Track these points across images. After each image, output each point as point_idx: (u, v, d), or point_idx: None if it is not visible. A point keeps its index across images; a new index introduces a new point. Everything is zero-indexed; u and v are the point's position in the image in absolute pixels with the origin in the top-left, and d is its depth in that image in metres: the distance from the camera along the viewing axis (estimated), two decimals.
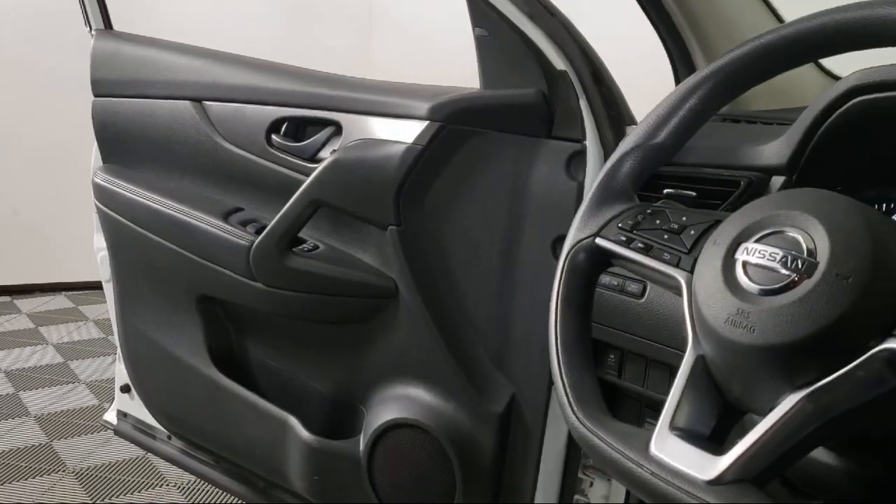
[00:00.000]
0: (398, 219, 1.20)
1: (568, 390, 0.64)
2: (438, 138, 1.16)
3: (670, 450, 0.55)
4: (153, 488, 2.24)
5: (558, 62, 1.11)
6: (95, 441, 2.48)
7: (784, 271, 0.53)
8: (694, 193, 0.84)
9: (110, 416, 1.86)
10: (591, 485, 1.27)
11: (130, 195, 1.49)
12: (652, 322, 0.72)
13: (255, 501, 1.64)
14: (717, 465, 0.52)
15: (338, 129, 1.29)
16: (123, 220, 1.51)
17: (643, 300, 0.81)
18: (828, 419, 0.51)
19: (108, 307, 1.68)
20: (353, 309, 1.30)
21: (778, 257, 0.53)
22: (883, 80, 0.69)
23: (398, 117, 1.21)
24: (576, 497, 1.29)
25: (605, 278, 0.87)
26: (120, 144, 1.56)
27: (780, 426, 0.51)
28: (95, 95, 1.57)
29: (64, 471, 2.31)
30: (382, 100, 1.24)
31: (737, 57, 0.64)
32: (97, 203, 1.56)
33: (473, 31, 1.16)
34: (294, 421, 1.36)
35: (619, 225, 0.67)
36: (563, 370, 0.65)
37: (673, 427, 0.56)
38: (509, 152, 1.15)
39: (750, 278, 0.55)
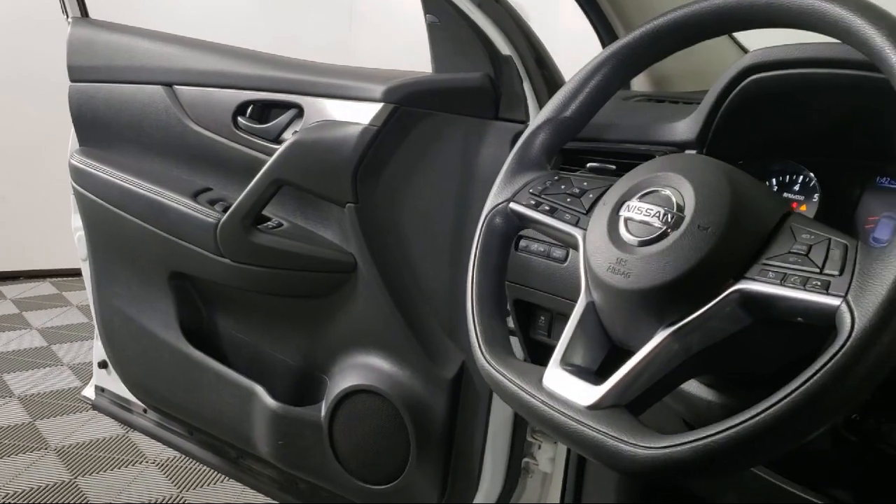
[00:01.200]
0: (355, 196, 1.27)
1: (479, 335, 0.71)
2: (392, 119, 1.23)
3: (559, 382, 0.63)
4: (133, 465, 2.31)
5: (504, 48, 1.18)
6: (77, 420, 2.55)
7: (657, 224, 0.60)
8: (614, 167, 0.91)
9: (88, 392, 1.93)
10: (539, 447, 1.34)
11: (105, 176, 1.55)
12: (574, 284, 0.79)
13: (228, 471, 1.71)
14: (596, 393, 0.59)
15: (300, 111, 1.35)
16: (98, 201, 1.57)
17: (566, 264, 0.89)
18: (692, 353, 0.59)
19: (85, 285, 1.74)
20: (315, 283, 1.37)
21: (652, 213, 0.61)
22: (773, 59, 0.77)
23: (355, 100, 1.28)
24: (525, 460, 1.37)
25: (533, 245, 0.94)
26: (95, 128, 1.62)
27: (650, 359, 0.58)
28: (72, 81, 1.63)
29: (46, 448, 2.37)
30: (341, 83, 1.31)
31: (633, 39, 0.72)
32: (74, 184, 1.62)
33: (425, 17, 1.23)
34: (260, 390, 1.43)
35: (530, 191, 0.74)
36: (475, 318, 0.72)
37: (564, 363, 0.64)
38: (459, 133, 1.22)
39: (630, 232, 0.62)
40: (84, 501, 2.11)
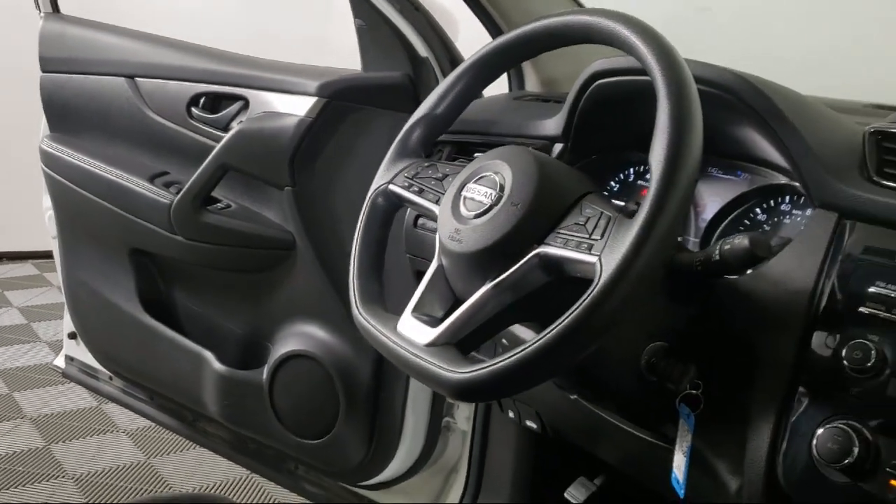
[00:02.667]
0: (293, 181, 1.42)
1: (356, 293, 0.86)
2: (325, 112, 1.38)
3: (409, 327, 0.78)
4: (104, 433, 2.46)
5: (422, 50, 1.33)
6: (52, 392, 2.69)
7: (485, 201, 0.75)
8: (475, 155, 1.06)
9: (59, 361, 2.07)
10: (457, 407, 1.50)
11: (72, 160, 1.69)
12: None
13: (185, 433, 1.86)
14: (433, 334, 0.74)
15: (246, 103, 1.49)
16: (66, 183, 1.71)
17: None
18: (507, 304, 0.74)
19: (55, 261, 1.89)
20: (258, 259, 1.52)
21: (482, 192, 0.76)
22: (611, 68, 0.91)
23: (294, 93, 1.42)
24: (445, 419, 1.52)
25: (428, 223, 1.09)
26: (64, 116, 1.76)
27: (475, 308, 0.73)
28: (43, 72, 1.77)
29: (22, 417, 2.52)
30: (281, 78, 1.45)
31: (485, 54, 0.86)
32: (44, 167, 1.76)
33: (354, 21, 1.37)
34: (209, 355, 1.57)
35: (405, 175, 0.89)
36: (355, 280, 0.87)
37: (416, 312, 0.79)
38: (383, 125, 1.37)
39: (466, 208, 0.77)
40: (57, 466, 2.25)
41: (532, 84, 1.31)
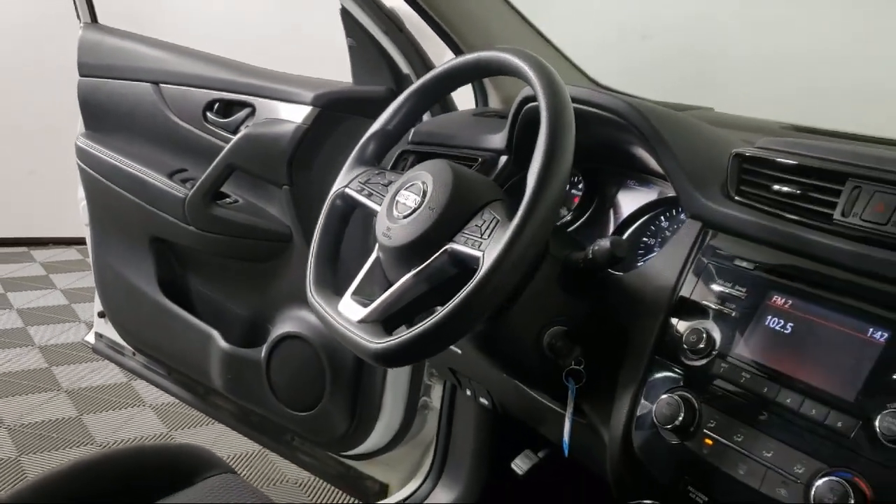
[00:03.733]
0: (290, 180, 1.59)
1: (311, 278, 1.03)
2: (319, 120, 1.55)
3: (347, 306, 0.94)
4: (131, 407, 2.67)
5: (404, 67, 1.49)
6: (87, 368, 2.92)
7: (411, 205, 0.91)
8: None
9: (90, 338, 2.28)
10: (433, 388, 1.66)
11: (103, 156, 1.89)
12: None
13: (198, 405, 2.05)
14: (364, 312, 0.91)
15: (253, 109, 1.67)
16: (97, 176, 1.91)
17: None
18: (425, 290, 0.90)
19: (87, 246, 2.09)
20: (260, 249, 1.69)
21: (410, 198, 0.92)
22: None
23: (293, 102, 1.60)
24: (423, 399, 1.68)
25: None
26: (98, 116, 1.96)
27: (399, 293, 0.89)
28: (81, 76, 1.97)
29: (58, 390, 2.74)
30: (283, 88, 1.63)
31: (425, 81, 1.02)
32: (78, 161, 1.97)
33: (346, 40, 1.54)
34: (216, 334, 1.76)
35: (359, 181, 1.05)
36: (311, 267, 1.04)
37: (355, 295, 0.95)
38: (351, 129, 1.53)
39: (397, 210, 0.93)
40: (86, 435, 2.46)
41: (494, 101, 1.46)
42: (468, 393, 1.37)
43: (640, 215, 1.07)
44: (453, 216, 0.88)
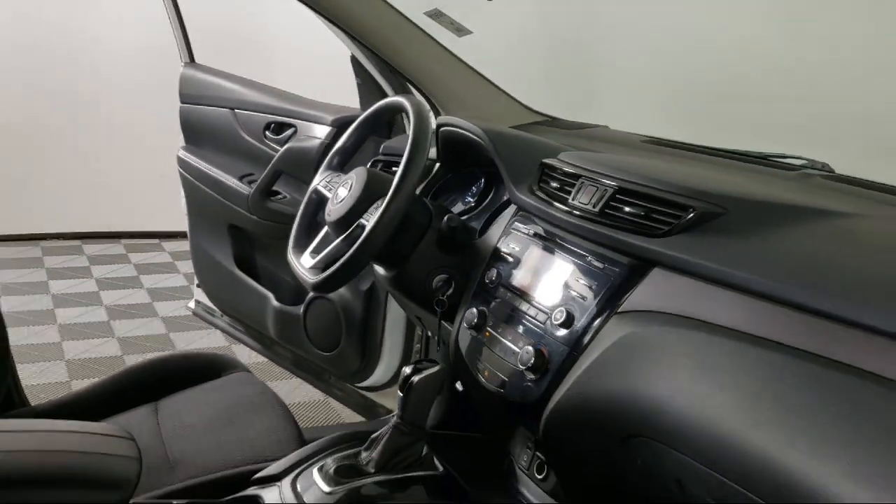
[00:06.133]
0: None
1: (291, 242, 1.58)
2: (336, 137, 2.11)
3: (305, 259, 1.49)
4: None
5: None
6: (198, 335, 3.61)
7: (342, 195, 1.44)
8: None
9: (191, 304, 2.95)
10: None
11: (195, 164, 2.54)
12: None
13: (266, 353, 2.67)
14: (313, 262, 1.45)
15: (295, 129, 2.27)
16: (192, 179, 2.56)
17: None
18: (345, 248, 1.44)
19: (187, 232, 2.75)
20: None
21: (342, 191, 1.45)
22: (441, 121, 1.58)
23: (320, 123, 2.18)
24: (416, 345, 2.21)
25: None
26: (193, 133, 2.61)
27: (333, 251, 1.44)
28: (181, 102, 2.64)
29: (173, 350, 3.45)
30: (313, 113, 2.21)
31: (365, 116, 1.56)
32: (179, 169, 2.63)
33: (356, 79, 2.11)
34: (271, 295, 2.37)
35: (326, 180, 1.60)
36: (292, 235, 1.59)
37: (312, 253, 1.50)
38: (369, 145, 2.08)
39: (338, 196, 1.46)
40: None
41: None
42: (427, 333, 1.90)
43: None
44: (362, 201, 1.42)
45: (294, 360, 2.53)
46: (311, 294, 2.26)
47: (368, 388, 2.28)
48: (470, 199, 1.66)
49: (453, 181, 1.71)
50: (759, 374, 0.93)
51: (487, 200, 1.65)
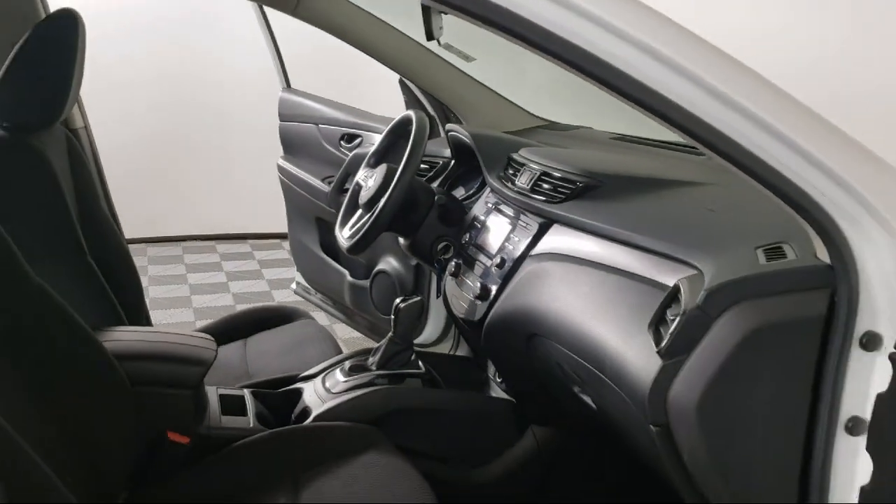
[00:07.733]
0: None
1: (339, 219, 2.15)
2: None
3: (342, 231, 2.05)
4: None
5: (431, 111, 2.59)
6: None
7: (371, 185, 2.00)
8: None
9: (293, 285, 3.60)
10: None
11: (291, 170, 3.17)
12: None
13: (349, 322, 3.27)
14: (348, 233, 2.01)
15: (361, 139, 2.86)
16: (289, 183, 3.20)
17: None
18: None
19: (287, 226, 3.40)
20: None
21: (371, 181, 2.00)
22: (448, 129, 2.11)
23: (378, 133, 2.75)
24: None
25: None
26: (289, 145, 3.25)
27: (361, 224, 1.99)
28: (280, 121, 3.28)
29: None
30: (372, 125, 2.79)
31: (392, 126, 2.11)
32: (279, 174, 3.27)
33: (403, 98, 2.67)
34: (346, 272, 2.96)
35: (364, 174, 2.16)
36: (340, 214, 2.15)
37: (341, 226, 2.06)
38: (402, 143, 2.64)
39: (370, 181, 2.02)
40: None
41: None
42: None
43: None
44: (382, 188, 1.97)
45: (369, 325, 3.11)
46: (375, 269, 2.84)
47: (422, 345, 2.83)
48: (473, 186, 2.18)
49: (464, 174, 2.24)
50: (603, 287, 1.42)
51: (477, 186, 2.18)
